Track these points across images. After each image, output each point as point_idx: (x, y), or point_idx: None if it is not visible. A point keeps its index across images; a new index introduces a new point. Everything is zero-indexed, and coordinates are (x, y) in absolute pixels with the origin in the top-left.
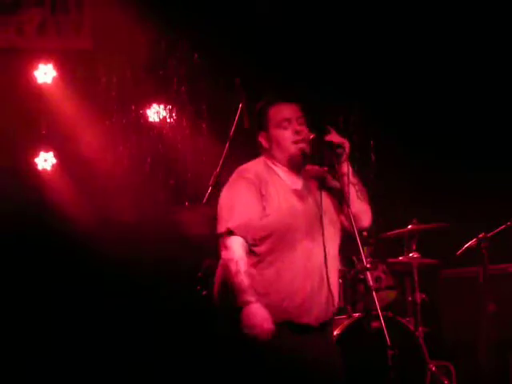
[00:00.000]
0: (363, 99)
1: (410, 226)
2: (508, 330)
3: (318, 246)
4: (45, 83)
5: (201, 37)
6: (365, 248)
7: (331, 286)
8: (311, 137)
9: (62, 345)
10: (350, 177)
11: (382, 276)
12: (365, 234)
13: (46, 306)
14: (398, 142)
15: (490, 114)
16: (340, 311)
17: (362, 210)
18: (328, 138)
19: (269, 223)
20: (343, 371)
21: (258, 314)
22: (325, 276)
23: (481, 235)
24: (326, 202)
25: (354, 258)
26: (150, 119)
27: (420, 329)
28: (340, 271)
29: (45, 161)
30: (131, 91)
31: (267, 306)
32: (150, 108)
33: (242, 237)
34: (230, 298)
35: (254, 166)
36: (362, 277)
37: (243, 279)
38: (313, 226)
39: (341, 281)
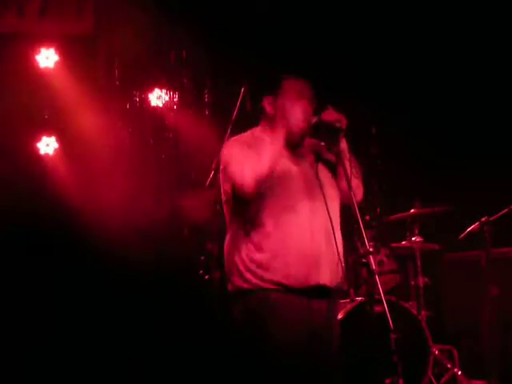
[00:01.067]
0: (366, 87)
1: (412, 210)
2: (510, 313)
3: (320, 204)
4: (47, 68)
5: (203, 23)
6: (367, 232)
7: (338, 244)
8: (313, 121)
9: (62, 339)
10: (346, 153)
11: (385, 260)
12: (367, 217)
13: (45, 294)
14: (401, 126)
15: (495, 99)
16: (343, 294)
17: (354, 186)
18: (325, 115)
19: (265, 185)
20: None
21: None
22: (331, 234)
23: (483, 219)
24: (323, 169)
25: (357, 242)
26: (152, 104)
27: (423, 313)
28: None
29: (47, 145)
30: (133, 76)
31: (279, 270)
32: (152, 93)
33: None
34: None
35: (245, 136)
36: (364, 261)
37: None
38: (311, 186)
39: (343, 264)
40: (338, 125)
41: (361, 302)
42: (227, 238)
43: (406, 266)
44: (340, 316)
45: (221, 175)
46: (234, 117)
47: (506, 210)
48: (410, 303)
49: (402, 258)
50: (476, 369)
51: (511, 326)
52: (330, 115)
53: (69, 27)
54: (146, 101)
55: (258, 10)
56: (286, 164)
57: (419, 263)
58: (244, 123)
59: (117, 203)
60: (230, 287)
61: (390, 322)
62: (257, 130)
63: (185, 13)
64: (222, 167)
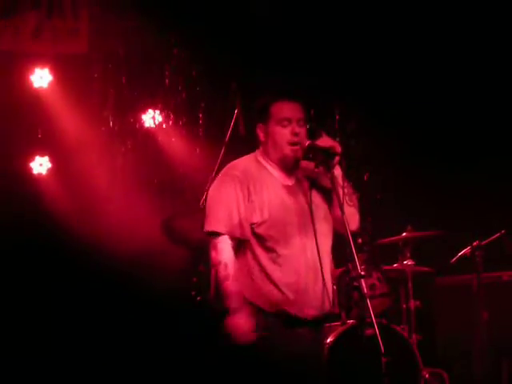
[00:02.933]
0: (360, 101)
1: (404, 234)
2: (501, 337)
3: (311, 240)
4: (41, 87)
5: (197, 42)
6: (359, 255)
7: (326, 281)
8: (306, 144)
9: (59, 347)
10: (340, 180)
11: (377, 283)
12: (359, 240)
13: (40, 313)
14: (394, 149)
15: (487, 121)
16: (334, 317)
17: (349, 214)
18: (320, 141)
19: (262, 219)
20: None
21: (240, 325)
22: (319, 271)
23: (475, 243)
24: (317, 198)
25: (349, 265)
26: (146, 124)
27: (414, 336)
28: (334, 277)
29: (40, 165)
30: (127, 96)
31: (263, 297)
32: (145, 113)
33: (230, 237)
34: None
35: (243, 162)
36: (356, 284)
37: (230, 284)
38: (305, 220)
39: (335, 287)
40: (331, 151)
41: (352, 325)
42: None
43: (397, 290)
44: (331, 339)
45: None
46: (227, 138)
47: (497, 235)
48: (402, 326)
49: (393, 281)
50: None
51: (502, 350)
52: (324, 141)
53: (63, 47)
54: (139, 121)
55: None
56: (282, 197)
57: (411, 286)
58: (237, 145)
59: (111, 223)
60: (219, 307)
61: (381, 345)
62: (260, 155)
63: (180, 32)
64: (207, 204)
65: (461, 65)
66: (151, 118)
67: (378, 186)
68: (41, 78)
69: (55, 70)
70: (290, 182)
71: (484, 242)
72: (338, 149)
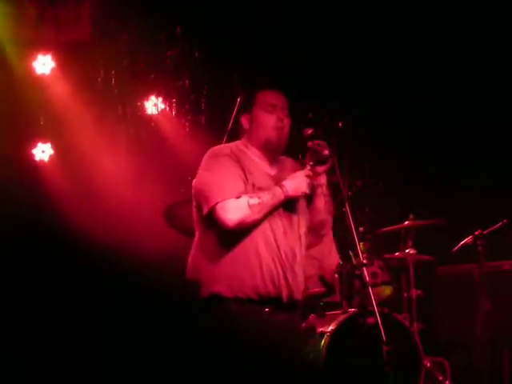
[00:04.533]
0: (360, 95)
1: (406, 222)
2: (503, 327)
3: (292, 226)
4: (43, 74)
5: (200, 30)
6: (361, 243)
7: (301, 266)
8: (309, 132)
9: (60, 346)
10: (324, 189)
11: (378, 272)
12: (361, 229)
13: (40, 302)
14: (395, 137)
15: (490, 110)
16: (336, 305)
17: (325, 221)
18: (319, 147)
19: None
20: (304, 354)
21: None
22: (297, 255)
23: (477, 232)
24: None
25: (351, 254)
26: (148, 112)
27: (415, 325)
28: (337, 266)
29: (42, 152)
30: (130, 83)
31: (237, 280)
32: (147, 100)
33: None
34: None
35: (227, 146)
36: (358, 272)
37: (257, 196)
38: (287, 207)
39: (336, 276)
40: (326, 152)
41: (353, 314)
42: (196, 242)
43: (399, 278)
44: (332, 327)
45: (194, 192)
46: (229, 126)
47: (499, 224)
48: (403, 315)
49: (395, 269)
50: (467, 381)
51: (503, 339)
52: (323, 148)
53: (66, 34)
54: (141, 108)
55: (258, 13)
56: (268, 183)
57: (412, 275)
58: (239, 133)
59: (112, 210)
60: (199, 294)
61: (383, 333)
62: (241, 144)
63: (182, 20)
64: (201, 187)
65: (462, 57)
66: (154, 105)
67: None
68: (43, 64)
69: (58, 57)
70: (272, 172)
71: (486, 231)
72: (331, 160)
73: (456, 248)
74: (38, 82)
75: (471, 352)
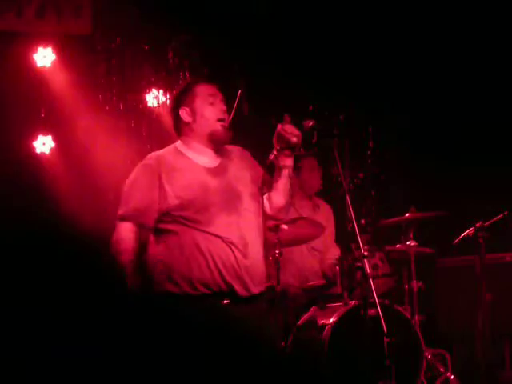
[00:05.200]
0: (361, 88)
1: (407, 214)
2: (504, 319)
3: (241, 218)
4: (44, 66)
5: (201, 23)
6: (362, 235)
7: (254, 258)
8: (310, 124)
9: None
10: (291, 171)
11: (380, 264)
12: (362, 221)
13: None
14: (397, 129)
15: (490, 105)
16: (337, 297)
17: (287, 204)
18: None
19: (179, 203)
20: (272, 347)
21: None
22: (252, 246)
23: (478, 224)
24: (246, 177)
25: (352, 246)
26: (149, 104)
27: (416, 317)
28: (338, 258)
29: (43, 144)
30: (130, 75)
31: (186, 279)
32: (148, 93)
33: (133, 222)
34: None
35: (161, 152)
36: (359, 264)
37: (125, 257)
38: (231, 199)
39: (338, 268)
40: (294, 140)
41: (355, 306)
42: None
43: (400, 270)
44: (334, 319)
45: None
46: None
47: (500, 216)
48: (404, 307)
49: (396, 261)
50: (469, 373)
51: (504, 331)
52: (292, 129)
53: (67, 27)
54: (142, 101)
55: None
56: (202, 179)
57: (413, 267)
58: (241, 125)
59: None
60: (153, 289)
61: (384, 325)
62: (180, 144)
63: (183, 12)
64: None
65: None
66: (154, 98)
67: (380, 166)
68: (44, 56)
69: (58, 49)
70: (214, 164)
71: (487, 223)
72: (300, 141)
73: (457, 240)
74: (38, 74)
75: (472, 344)
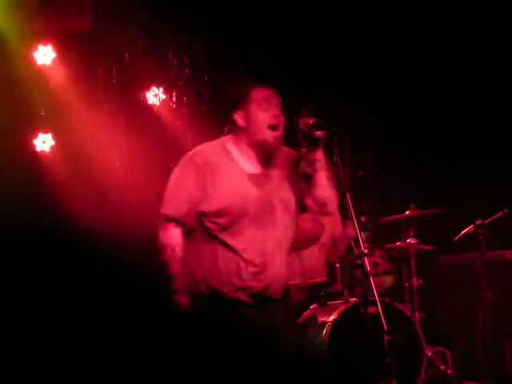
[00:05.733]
0: (362, 86)
1: (407, 212)
2: (504, 316)
3: (269, 232)
4: (44, 65)
5: (201, 20)
6: (362, 233)
7: (281, 272)
8: (311, 122)
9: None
10: (324, 164)
11: (380, 261)
12: (363, 219)
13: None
14: (397, 127)
15: (490, 103)
16: (337, 295)
17: (330, 196)
18: (307, 121)
19: (216, 209)
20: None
21: (179, 305)
22: (274, 262)
23: (478, 222)
24: (286, 188)
25: (352, 243)
26: (149, 102)
27: (416, 314)
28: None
29: (43, 142)
30: (131, 73)
31: (209, 282)
32: (149, 91)
33: (183, 224)
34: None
35: (208, 149)
36: (359, 262)
37: (176, 267)
38: (265, 212)
39: (338, 265)
40: (318, 133)
41: (355, 304)
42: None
43: (400, 268)
44: (334, 317)
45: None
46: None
47: (500, 213)
48: (404, 305)
49: (396, 259)
50: (469, 370)
51: (505, 328)
52: (311, 121)
53: (67, 25)
54: (143, 99)
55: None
56: (244, 187)
57: (414, 265)
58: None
59: (112, 200)
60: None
61: (384, 323)
62: (230, 142)
63: (183, 10)
64: (167, 185)
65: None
66: (154, 96)
67: (381, 164)
68: (44, 55)
69: (58, 47)
70: (257, 171)
71: (487, 221)
72: (324, 132)
73: (457, 237)
74: (38, 72)
75: (472, 341)
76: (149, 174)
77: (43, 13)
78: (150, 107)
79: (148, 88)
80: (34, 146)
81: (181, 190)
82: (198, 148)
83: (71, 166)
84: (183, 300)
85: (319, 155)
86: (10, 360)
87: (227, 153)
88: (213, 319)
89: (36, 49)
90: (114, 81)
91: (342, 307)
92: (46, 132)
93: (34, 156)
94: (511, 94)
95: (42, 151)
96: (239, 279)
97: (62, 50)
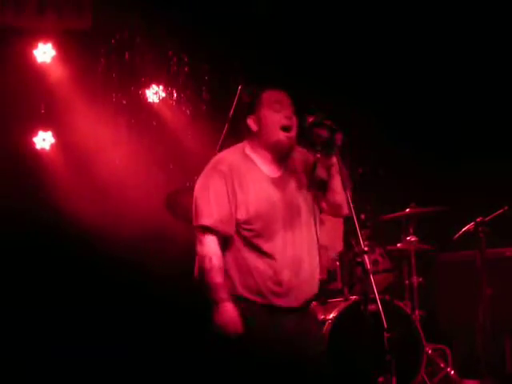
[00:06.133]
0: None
1: (408, 210)
2: (504, 314)
3: (297, 233)
4: (44, 62)
5: (201, 20)
6: (362, 231)
7: (313, 271)
8: (310, 119)
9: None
10: (338, 168)
11: (380, 259)
12: (363, 217)
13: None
14: (397, 125)
15: (488, 101)
16: (337, 293)
17: (344, 200)
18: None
19: (247, 216)
20: (321, 354)
21: (229, 314)
22: (305, 262)
23: (478, 219)
24: (305, 187)
25: (352, 241)
26: (149, 100)
27: (417, 312)
28: (338, 254)
29: (43, 140)
30: (131, 71)
31: (249, 289)
32: (149, 89)
33: (217, 232)
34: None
35: (230, 156)
36: (359, 260)
37: (216, 276)
38: (291, 214)
39: (338, 263)
40: (324, 134)
41: (355, 301)
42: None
43: (400, 266)
44: (334, 314)
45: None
46: (231, 114)
47: (500, 211)
48: (404, 302)
49: (396, 257)
50: (469, 368)
51: (505, 326)
52: (322, 131)
53: (67, 23)
54: (142, 96)
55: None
56: (268, 191)
57: (414, 263)
58: (241, 121)
59: (113, 198)
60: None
61: (384, 321)
62: (247, 147)
63: (184, 10)
64: (194, 197)
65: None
66: (154, 93)
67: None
68: (44, 52)
69: (58, 45)
70: (277, 174)
71: (487, 218)
72: (340, 136)
73: (457, 235)
74: (38, 70)
75: (473, 339)
76: (149, 172)
77: (44, 11)
78: (150, 105)
79: (148, 86)
80: (34, 144)
81: (211, 199)
82: (219, 156)
83: (71, 164)
84: (230, 309)
85: (334, 159)
86: (5, 359)
87: (247, 158)
88: (264, 323)
89: (36, 47)
90: (114, 79)
91: (342, 305)
92: (46, 130)
93: (34, 154)
94: (509, 91)
95: (42, 149)
96: (275, 284)
97: (62, 47)
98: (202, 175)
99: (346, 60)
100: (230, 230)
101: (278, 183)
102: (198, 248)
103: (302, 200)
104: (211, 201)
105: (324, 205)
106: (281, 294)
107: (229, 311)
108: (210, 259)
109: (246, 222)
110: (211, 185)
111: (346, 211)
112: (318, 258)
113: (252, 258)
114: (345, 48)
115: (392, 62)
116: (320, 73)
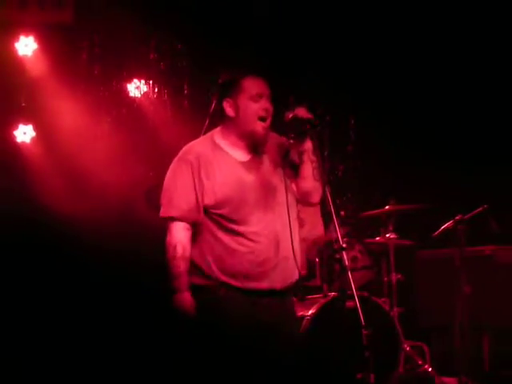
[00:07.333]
0: (344, 81)
1: (387, 207)
2: (483, 312)
3: (276, 213)
4: (25, 55)
5: (183, 15)
6: (342, 227)
7: (294, 252)
8: (289, 116)
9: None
10: (311, 155)
11: (359, 256)
12: (342, 213)
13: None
14: (378, 121)
15: (471, 99)
16: (316, 289)
17: (314, 188)
18: (299, 111)
19: (216, 201)
20: (298, 339)
21: (184, 304)
22: (284, 244)
23: (458, 217)
24: (279, 170)
25: (331, 237)
26: (131, 94)
27: (395, 309)
28: (317, 250)
29: (24, 134)
30: (112, 65)
31: (226, 272)
32: (130, 83)
33: (183, 222)
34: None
35: (197, 145)
36: (338, 256)
37: (178, 265)
38: (266, 195)
39: (317, 260)
40: (314, 122)
41: (334, 298)
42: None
43: (379, 263)
44: (313, 311)
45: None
46: (212, 109)
47: (480, 209)
48: (383, 299)
49: (375, 254)
50: (446, 365)
51: (483, 323)
52: (303, 113)
53: (49, 16)
54: (124, 91)
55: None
56: (239, 174)
57: (393, 260)
58: (221, 116)
59: (94, 191)
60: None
61: (362, 317)
62: (218, 135)
63: (166, 4)
64: (163, 188)
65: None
66: (136, 88)
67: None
68: (25, 45)
69: (40, 38)
70: (247, 157)
71: (467, 216)
72: (315, 122)
73: (437, 232)
74: (19, 63)
75: (451, 336)
76: (130, 165)
77: (26, 4)
78: (132, 99)
79: (129, 80)
80: (14, 137)
81: (178, 189)
82: (187, 146)
83: (52, 157)
84: (186, 298)
85: (307, 145)
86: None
87: (216, 145)
88: (227, 311)
89: (18, 39)
90: (96, 72)
91: (321, 301)
92: (26, 123)
93: (14, 147)
94: (493, 87)
95: (23, 142)
96: (254, 265)
97: (44, 41)
98: (170, 167)
99: (330, 52)
100: (198, 217)
101: (249, 166)
102: (167, 238)
103: (278, 180)
104: (178, 191)
105: (295, 191)
106: (260, 274)
107: (184, 301)
108: (175, 247)
109: (215, 206)
110: (178, 175)
111: (315, 199)
112: (297, 237)
113: (228, 241)
114: (334, 40)
115: (377, 57)
116: (306, 63)
